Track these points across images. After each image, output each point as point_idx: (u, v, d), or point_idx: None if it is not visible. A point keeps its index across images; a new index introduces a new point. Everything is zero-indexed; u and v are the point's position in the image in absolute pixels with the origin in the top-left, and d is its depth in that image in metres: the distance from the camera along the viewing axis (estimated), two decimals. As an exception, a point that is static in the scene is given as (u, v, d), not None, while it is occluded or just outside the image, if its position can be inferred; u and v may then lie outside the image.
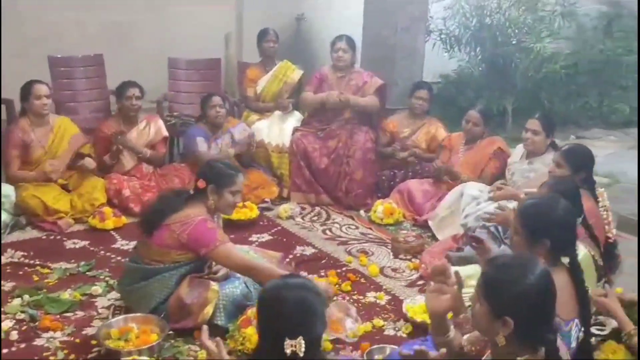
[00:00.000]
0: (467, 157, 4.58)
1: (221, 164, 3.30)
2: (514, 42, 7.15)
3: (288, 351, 1.68)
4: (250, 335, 2.80)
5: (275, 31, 5.40)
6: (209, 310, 3.00)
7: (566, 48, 8.08)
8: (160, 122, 4.88)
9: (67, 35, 6.09)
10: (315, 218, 4.65)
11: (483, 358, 1.96)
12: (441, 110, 6.50)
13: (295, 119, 5.17)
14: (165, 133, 4.88)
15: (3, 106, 5.07)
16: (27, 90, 4.36)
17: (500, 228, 3.72)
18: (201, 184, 3.12)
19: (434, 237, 4.30)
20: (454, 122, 5.58)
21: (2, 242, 3.98)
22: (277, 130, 5.04)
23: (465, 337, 2.12)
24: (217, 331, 2.96)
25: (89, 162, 4.50)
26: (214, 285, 3.08)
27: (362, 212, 4.75)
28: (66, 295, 3.34)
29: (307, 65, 6.20)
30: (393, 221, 4.51)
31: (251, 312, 2.92)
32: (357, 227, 4.50)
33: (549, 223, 2.32)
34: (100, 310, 3.24)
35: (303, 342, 1.67)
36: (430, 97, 5.12)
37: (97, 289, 3.42)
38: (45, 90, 4.39)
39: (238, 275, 3.19)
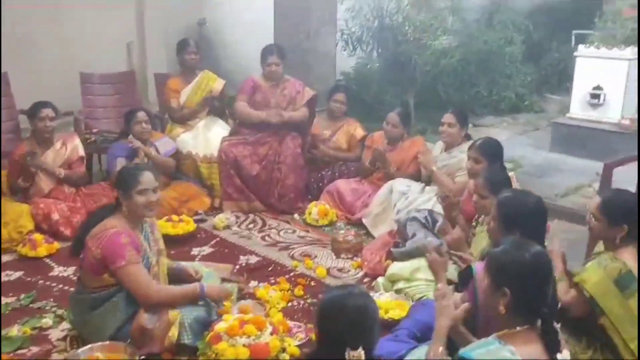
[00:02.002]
0: (391, 156, 4.81)
1: (125, 168, 3.28)
2: (412, 40, 7.52)
3: None
4: (223, 350, 2.85)
5: (196, 42, 5.36)
6: (174, 332, 2.98)
7: (454, 41, 8.61)
8: (77, 141, 4.73)
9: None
10: (251, 225, 4.72)
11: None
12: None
13: (220, 126, 5.19)
14: (82, 152, 4.73)
15: None
16: None
17: (429, 218, 3.98)
18: (115, 193, 3.11)
19: (369, 234, 4.50)
20: (362, 117, 5.86)
21: None
22: (203, 141, 5.04)
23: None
24: (186, 351, 3.01)
25: None
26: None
27: (296, 215, 4.87)
28: (14, 331, 3.21)
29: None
30: (328, 222, 4.68)
31: (218, 327, 2.96)
32: (294, 231, 4.62)
33: (522, 214, 2.64)
34: (55, 343, 3.15)
35: (363, 352, 1.78)
36: (347, 99, 5.32)
37: (47, 321, 3.31)
38: None
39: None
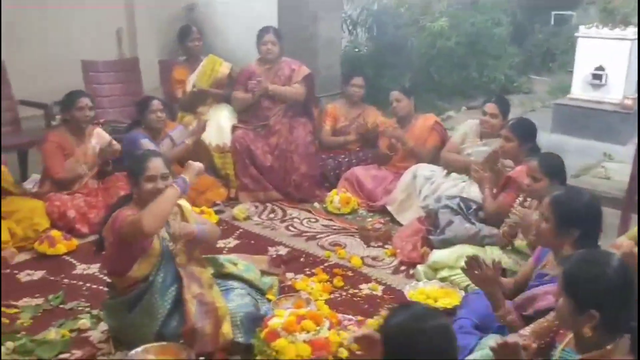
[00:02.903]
0: (407, 136, 4.73)
1: (136, 153, 3.18)
2: (410, 23, 7.46)
3: None
4: (283, 347, 2.76)
5: (198, 28, 5.17)
6: (227, 329, 2.88)
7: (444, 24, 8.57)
8: (100, 130, 4.54)
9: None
10: (272, 215, 4.61)
11: (561, 346, 2.09)
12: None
13: (229, 112, 5.05)
14: (108, 137, 4.55)
15: None
16: None
17: (462, 204, 3.94)
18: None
19: (394, 221, 4.44)
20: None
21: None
22: (215, 130, 4.88)
23: (529, 329, 2.25)
24: (239, 349, 2.91)
25: None
26: (219, 302, 2.97)
27: (316, 204, 4.78)
28: (52, 334, 3.06)
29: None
30: (350, 210, 4.59)
31: (273, 323, 2.87)
32: (317, 220, 4.52)
33: (581, 213, 2.46)
34: (98, 346, 3.01)
35: None
36: (366, 83, 5.23)
37: (85, 322, 3.16)
38: None
39: (236, 285, 3.12)
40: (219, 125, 4.93)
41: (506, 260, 3.39)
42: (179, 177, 2.93)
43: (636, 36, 6.09)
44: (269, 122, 4.89)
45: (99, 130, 4.47)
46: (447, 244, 3.62)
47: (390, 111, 4.83)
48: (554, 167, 3.18)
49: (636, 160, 3.95)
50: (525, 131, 3.77)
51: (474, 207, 3.89)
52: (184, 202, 3.16)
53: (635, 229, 2.64)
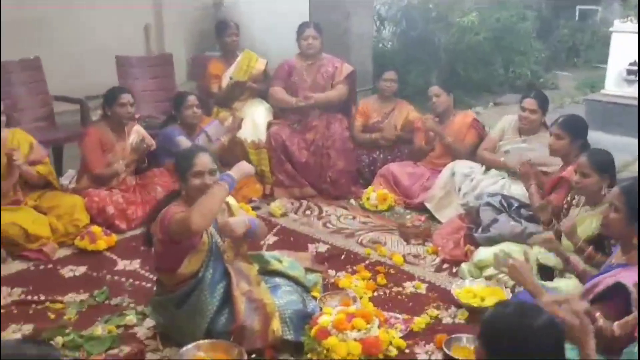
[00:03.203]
0: (445, 132, 4.69)
1: (183, 149, 3.16)
2: (437, 18, 7.40)
3: None
4: (334, 346, 2.73)
5: (236, 23, 5.16)
6: (277, 326, 2.87)
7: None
8: (139, 127, 4.54)
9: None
10: (308, 212, 4.59)
11: None
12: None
13: (265, 108, 5.03)
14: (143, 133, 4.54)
15: None
16: None
17: (504, 202, 3.89)
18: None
19: (432, 219, 4.40)
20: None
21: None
22: (250, 125, 4.87)
23: (616, 323, 2.22)
24: (288, 346, 2.89)
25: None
26: (267, 298, 2.95)
27: (352, 200, 4.75)
28: (99, 330, 3.06)
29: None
30: (387, 207, 4.56)
31: (323, 321, 2.84)
32: (354, 217, 4.49)
33: None
34: (146, 342, 3.00)
35: None
36: (398, 78, 5.18)
37: (132, 318, 3.16)
38: None
39: (282, 282, 3.10)
40: (255, 121, 4.91)
41: (552, 258, 3.34)
42: (225, 174, 2.91)
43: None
44: (307, 118, 4.85)
45: (137, 127, 4.46)
46: (492, 241, 3.58)
47: (429, 106, 4.78)
48: (603, 163, 3.14)
49: None
50: (577, 128, 3.70)
51: (516, 204, 3.85)
52: (230, 199, 3.15)
53: None
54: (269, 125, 4.88)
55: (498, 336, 1.61)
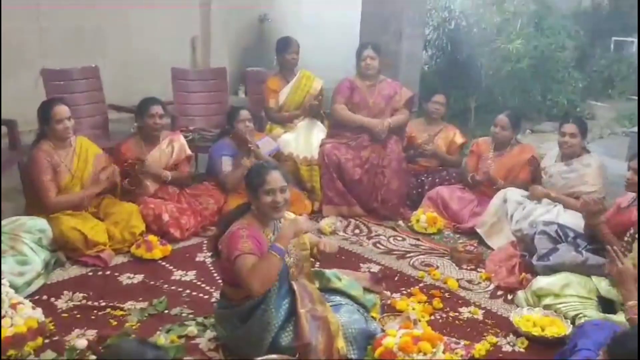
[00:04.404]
0: (500, 163, 4.70)
1: (255, 165, 3.20)
2: (481, 43, 7.44)
3: None
4: (400, 368, 2.75)
5: (297, 41, 5.23)
6: (341, 344, 2.87)
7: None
8: (183, 140, 4.60)
9: (29, 45, 5.59)
10: (357, 231, 4.61)
11: None
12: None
13: (319, 129, 5.08)
14: (189, 151, 4.62)
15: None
16: (46, 113, 3.97)
17: (559, 231, 3.88)
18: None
19: (482, 244, 4.40)
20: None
21: (48, 282, 3.62)
22: (304, 142, 4.93)
23: None
24: (351, 366, 2.90)
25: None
26: (331, 317, 2.96)
27: (400, 222, 4.76)
28: (162, 339, 3.09)
29: (271, 67, 6.10)
30: (436, 230, 4.57)
31: (388, 342, 2.85)
32: (403, 239, 4.51)
33: None
34: (209, 354, 3.03)
35: None
36: (447, 102, 5.22)
37: (193, 329, 3.18)
38: (66, 113, 4.01)
39: (344, 301, 3.11)
40: (308, 138, 4.96)
41: (614, 292, 3.32)
42: (274, 245, 2.84)
43: None
44: (363, 136, 4.88)
45: (180, 138, 4.53)
46: (551, 270, 3.56)
47: (491, 134, 4.78)
48: None
49: None
50: None
51: (572, 235, 3.84)
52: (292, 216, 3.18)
53: None
54: (323, 143, 4.91)
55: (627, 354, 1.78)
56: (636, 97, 8.74)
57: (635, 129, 6.81)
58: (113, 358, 1.82)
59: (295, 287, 2.99)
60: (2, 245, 3.57)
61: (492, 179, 4.63)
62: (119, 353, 1.81)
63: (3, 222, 3.72)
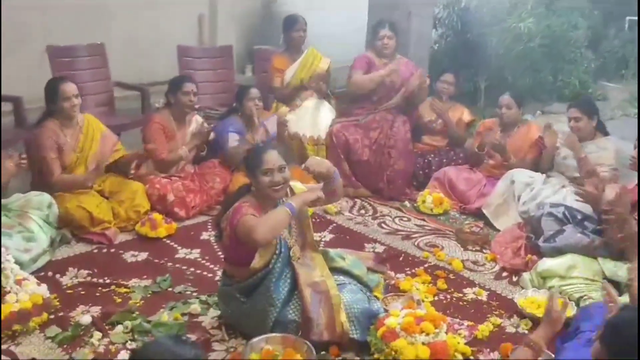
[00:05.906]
0: (508, 143, 4.65)
1: (253, 147, 3.19)
2: (492, 22, 7.32)
3: None
4: (402, 348, 2.73)
5: (304, 19, 5.17)
6: (344, 318, 2.86)
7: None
8: (199, 117, 4.58)
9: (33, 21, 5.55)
10: (362, 212, 4.59)
11: None
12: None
13: (327, 109, 5.04)
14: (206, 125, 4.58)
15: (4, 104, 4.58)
16: (53, 91, 3.95)
17: (567, 213, 3.84)
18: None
19: (488, 225, 4.37)
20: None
21: (53, 259, 3.64)
22: (311, 122, 4.89)
23: None
24: (353, 345, 2.89)
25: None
26: (332, 291, 2.95)
27: (406, 202, 4.74)
28: (165, 317, 3.09)
29: (279, 46, 6.01)
30: (442, 211, 4.54)
31: (390, 322, 2.84)
32: (409, 219, 4.49)
33: None
34: (212, 332, 3.03)
35: None
36: (456, 81, 5.16)
37: (196, 307, 3.19)
38: (74, 90, 3.99)
39: (346, 280, 3.10)
40: (316, 118, 4.92)
41: (619, 273, 3.30)
42: (288, 203, 2.86)
43: None
44: (374, 114, 4.85)
45: (197, 117, 4.51)
46: (557, 252, 3.54)
47: (499, 115, 4.72)
48: None
49: None
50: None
51: (580, 216, 3.80)
52: (296, 182, 3.18)
53: None
54: (333, 123, 4.87)
55: (622, 338, 1.73)
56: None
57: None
58: (150, 358, 1.74)
59: (295, 266, 2.99)
60: (10, 221, 3.58)
61: (503, 150, 4.55)
62: (156, 353, 1.74)
63: (12, 198, 3.74)
